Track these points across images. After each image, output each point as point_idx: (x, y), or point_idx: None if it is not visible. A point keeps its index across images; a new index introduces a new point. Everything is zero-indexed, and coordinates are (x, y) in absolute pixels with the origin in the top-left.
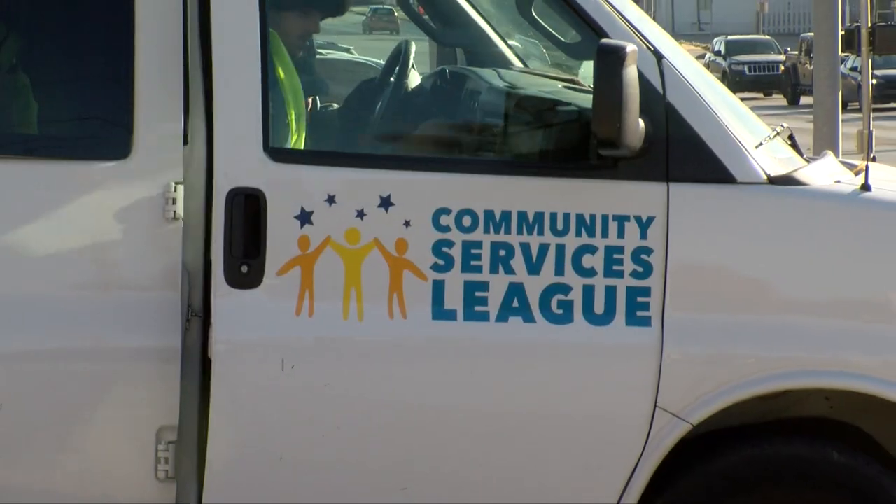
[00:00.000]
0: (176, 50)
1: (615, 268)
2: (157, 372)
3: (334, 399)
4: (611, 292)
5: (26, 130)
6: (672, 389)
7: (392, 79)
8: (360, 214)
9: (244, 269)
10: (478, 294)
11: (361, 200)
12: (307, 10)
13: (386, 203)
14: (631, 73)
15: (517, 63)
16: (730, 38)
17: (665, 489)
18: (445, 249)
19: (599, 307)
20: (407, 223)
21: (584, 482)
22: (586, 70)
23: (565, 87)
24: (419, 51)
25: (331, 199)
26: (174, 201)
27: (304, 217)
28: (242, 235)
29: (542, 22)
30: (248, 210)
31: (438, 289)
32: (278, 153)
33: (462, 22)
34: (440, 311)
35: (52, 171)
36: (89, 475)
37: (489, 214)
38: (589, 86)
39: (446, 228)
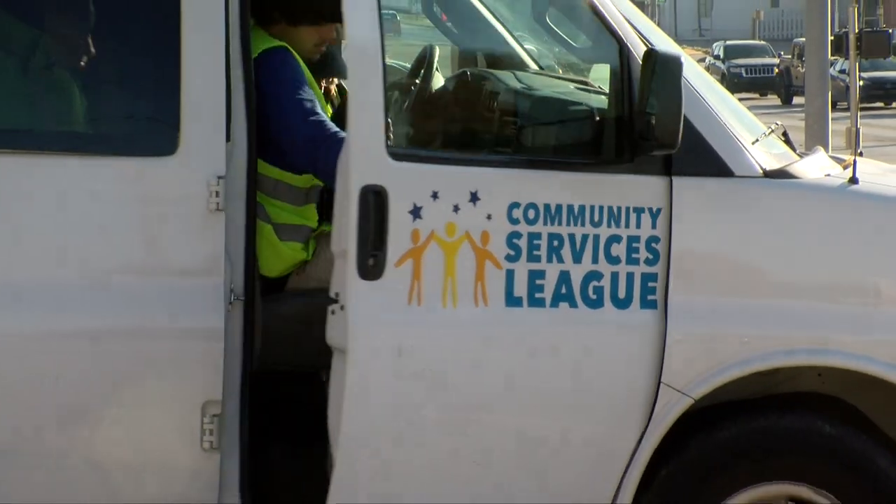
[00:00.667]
0: (218, 53)
1: (633, 255)
2: (203, 351)
3: (435, 382)
4: (630, 278)
5: (81, 129)
6: (675, 367)
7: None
8: (456, 209)
9: (371, 261)
10: (538, 282)
11: (457, 196)
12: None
13: (474, 198)
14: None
15: (533, 66)
16: (728, 42)
17: (669, 458)
18: (516, 241)
19: (622, 292)
20: (489, 216)
21: (599, 452)
22: (597, 73)
23: (577, 88)
24: (441, 54)
25: (435, 195)
26: (217, 194)
27: (416, 212)
28: (372, 230)
29: (555, 28)
30: (376, 206)
31: (510, 277)
32: (396, 152)
33: (483, 27)
34: (511, 298)
35: (105, 165)
36: (139, 445)
37: (547, 208)
38: (599, 87)
39: (517, 221)
